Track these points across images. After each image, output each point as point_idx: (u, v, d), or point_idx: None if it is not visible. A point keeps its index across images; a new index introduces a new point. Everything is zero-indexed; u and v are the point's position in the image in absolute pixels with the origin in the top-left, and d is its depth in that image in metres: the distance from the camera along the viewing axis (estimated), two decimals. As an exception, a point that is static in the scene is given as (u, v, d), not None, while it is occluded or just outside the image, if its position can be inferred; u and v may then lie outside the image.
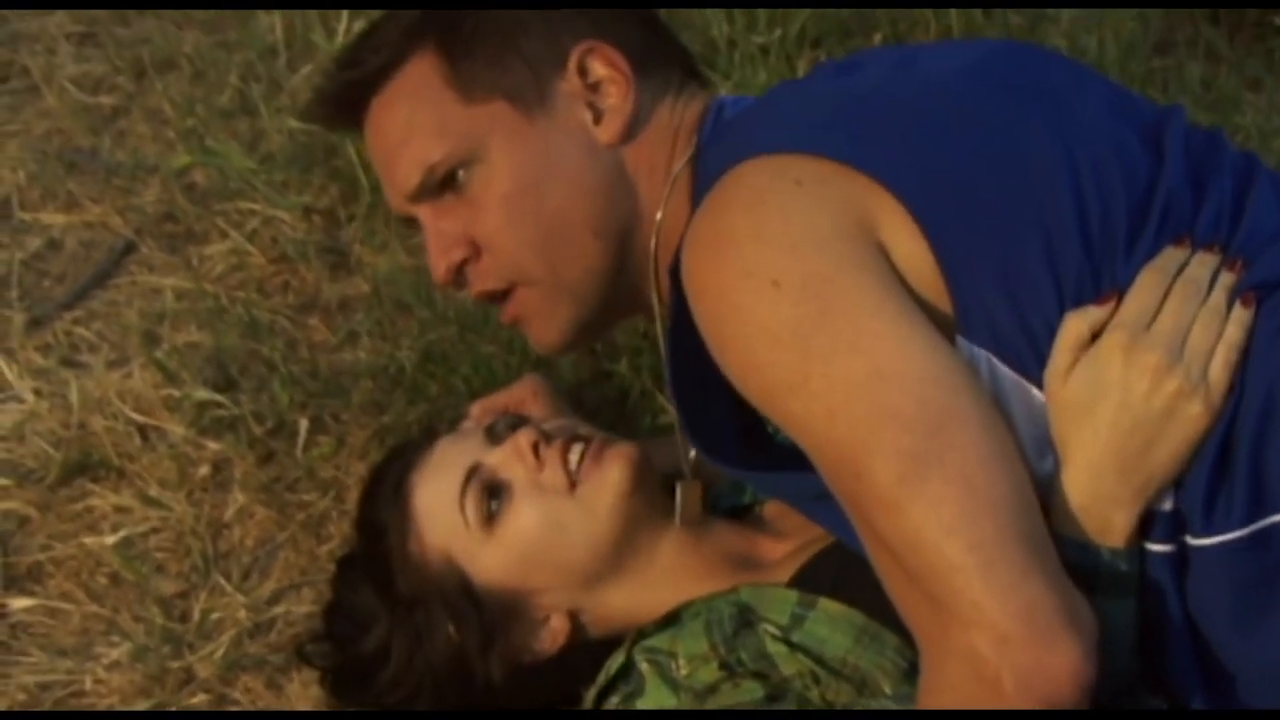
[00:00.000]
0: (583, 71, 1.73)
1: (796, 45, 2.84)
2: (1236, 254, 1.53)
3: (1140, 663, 1.53)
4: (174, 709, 2.04)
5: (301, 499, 2.29)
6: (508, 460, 1.88)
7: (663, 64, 1.77)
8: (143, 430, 2.38)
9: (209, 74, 2.94)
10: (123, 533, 2.26)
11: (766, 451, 1.71)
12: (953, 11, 2.87)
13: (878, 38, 2.90)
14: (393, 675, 1.89)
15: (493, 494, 1.86)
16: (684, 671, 1.77)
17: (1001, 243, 1.51)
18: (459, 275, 1.79)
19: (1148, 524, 1.51)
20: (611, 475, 1.85)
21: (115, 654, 2.11)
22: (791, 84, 1.78)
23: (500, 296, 1.78)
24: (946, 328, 1.51)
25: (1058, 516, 1.50)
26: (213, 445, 2.34)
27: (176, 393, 2.39)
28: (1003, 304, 1.50)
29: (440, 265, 1.79)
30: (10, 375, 2.45)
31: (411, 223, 2.65)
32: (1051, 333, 1.50)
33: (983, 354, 1.51)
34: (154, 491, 2.29)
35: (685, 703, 1.75)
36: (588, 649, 1.91)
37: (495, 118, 1.72)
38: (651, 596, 1.86)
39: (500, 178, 1.72)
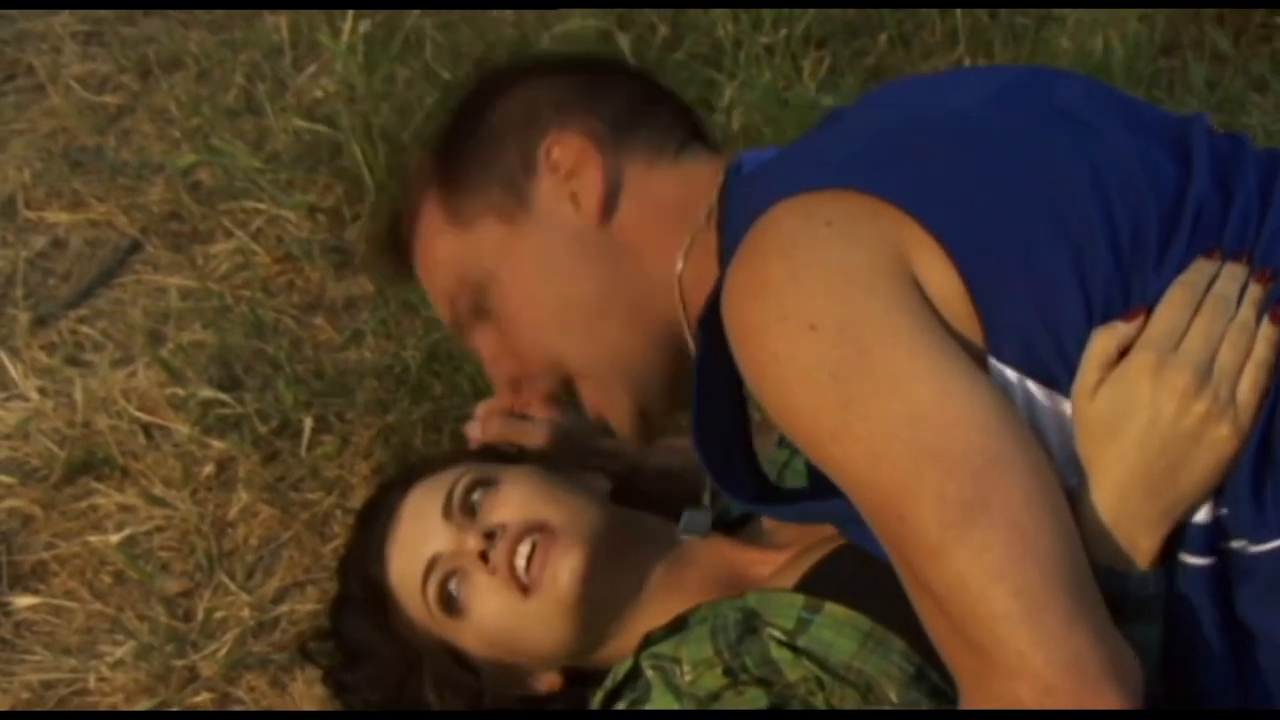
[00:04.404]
0: (554, 166, 1.72)
1: (802, 45, 2.85)
2: (1265, 258, 1.50)
3: (1167, 685, 1.51)
4: (177, 708, 2.04)
5: (306, 498, 2.29)
6: (460, 555, 1.84)
7: (652, 129, 1.74)
8: (147, 429, 2.38)
9: (214, 73, 2.95)
10: (127, 531, 2.26)
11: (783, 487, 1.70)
12: (958, 12, 2.88)
13: (883, 38, 2.91)
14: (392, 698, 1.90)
15: (453, 582, 1.84)
16: (688, 678, 1.76)
17: (1026, 260, 1.49)
18: (519, 387, 1.81)
19: (1183, 537, 1.48)
20: (560, 579, 1.80)
21: (119, 653, 2.11)
22: (810, 133, 1.78)
23: (569, 396, 1.80)
24: (977, 351, 1.49)
25: (1083, 538, 1.47)
26: (217, 444, 2.34)
27: (181, 391, 2.39)
28: (1032, 321, 1.48)
29: (498, 385, 1.83)
30: (15, 374, 2.45)
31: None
32: (1081, 347, 1.48)
33: (1014, 374, 1.49)
34: (158, 490, 2.29)
35: (692, 707, 1.75)
36: (588, 679, 1.91)
37: (490, 238, 1.73)
38: (646, 626, 1.85)
39: (510, 292, 1.74)
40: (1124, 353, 1.47)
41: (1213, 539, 1.47)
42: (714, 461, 1.65)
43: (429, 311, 2.47)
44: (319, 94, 2.86)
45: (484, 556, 1.82)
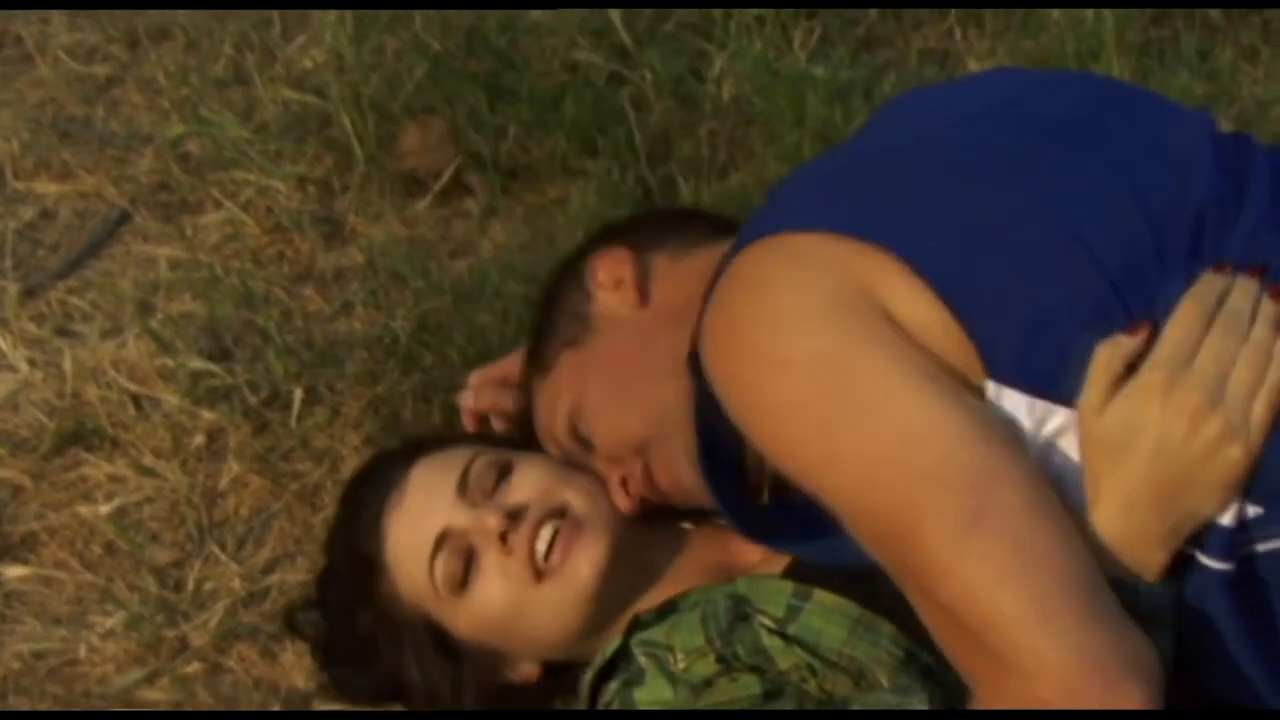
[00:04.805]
0: (602, 283, 1.85)
1: (792, 15, 2.84)
2: (1278, 273, 1.48)
3: (1181, 691, 1.49)
4: (168, 678, 2.04)
5: (296, 469, 2.29)
6: (475, 532, 1.84)
7: (682, 233, 1.87)
8: (137, 400, 2.37)
9: (203, 43, 2.94)
10: (117, 502, 2.26)
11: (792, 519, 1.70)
12: (949, -19, 2.87)
13: (873, 12, 2.90)
14: (376, 674, 1.90)
15: (463, 559, 1.84)
16: (681, 665, 1.77)
17: (1010, 282, 1.48)
18: (628, 486, 1.86)
19: (1203, 539, 1.46)
20: (581, 572, 1.81)
21: (110, 623, 2.11)
22: (800, 168, 1.82)
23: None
24: (974, 374, 1.49)
25: (1092, 550, 1.46)
26: (207, 415, 2.34)
27: (171, 362, 2.39)
28: (1024, 340, 1.48)
29: (620, 501, 1.87)
30: (4, 345, 2.44)
31: (409, 193, 2.68)
32: (1068, 356, 1.47)
33: (1019, 395, 1.49)
34: (148, 461, 2.29)
35: (682, 696, 1.75)
36: (564, 672, 1.92)
37: (567, 365, 1.86)
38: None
39: (592, 410, 1.84)
40: (1131, 367, 1.46)
41: (1233, 543, 1.46)
42: (721, 494, 1.67)
43: (418, 282, 2.47)
44: (308, 64, 2.85)
45: (503, 537, 1.81)
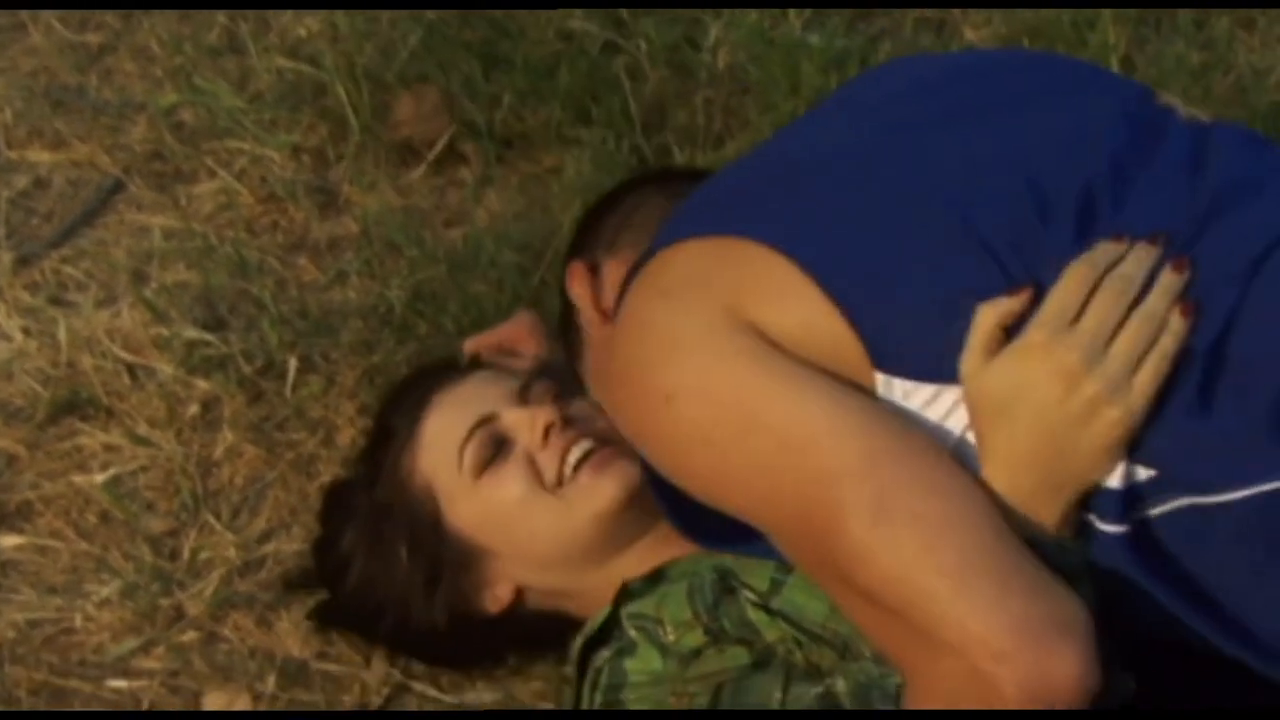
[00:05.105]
0: (577, 297, 1.84)
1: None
2: (1187, 244, 1.46)
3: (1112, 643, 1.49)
4: (164, 647, 2.05)
5: (290, 438, 2.29)
6: (522, 424, 1.87)
7: (641, 224, 1.82)
8: (131, 369, 2.37)
9: (196, 12, 2.93)
10: (112, 471, 2.26)
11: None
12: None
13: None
14: (354, 584, 1.92)
15: (496, 447, 1.86)
16: (671, 637, 1.78)
17: (887, 262, 1.49)
18: None
19: (1094, 503, 1.46)
20: (604, 490, 1.83)
21: (105, 591, 2.11)
22: (711, 177, 1.80)
23: None
24: (861, 368, 1.50)
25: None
26: (202, 384, 2.34)
27: (165, 331, 2.39)
28: (905, 322, 1.48)
29: None
30: (-2, 314, 2.45)
31: (403, 162, 2.67)
32: (954, 335, 1.47)
33: (900, 380, 1.49)
34: (143, 430, 2.29)
35: (672, 666, 1.76)
36: (531, 621, 1.93)
37: (585, 374, 1.87)
38: (603, 593, 1.86)
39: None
40: (1012, 331, 1.45)
41: (1125, 506, 1.45)
42: (667, 501, 1.66)
43: (413, 251, 2.46)
44: (302, 33, 2.84)
45: (548, 432, 1.85)
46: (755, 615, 1.75)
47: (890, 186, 1.53)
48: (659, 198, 1.84)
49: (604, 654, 1.81)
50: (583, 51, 2.72)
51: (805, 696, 1.69)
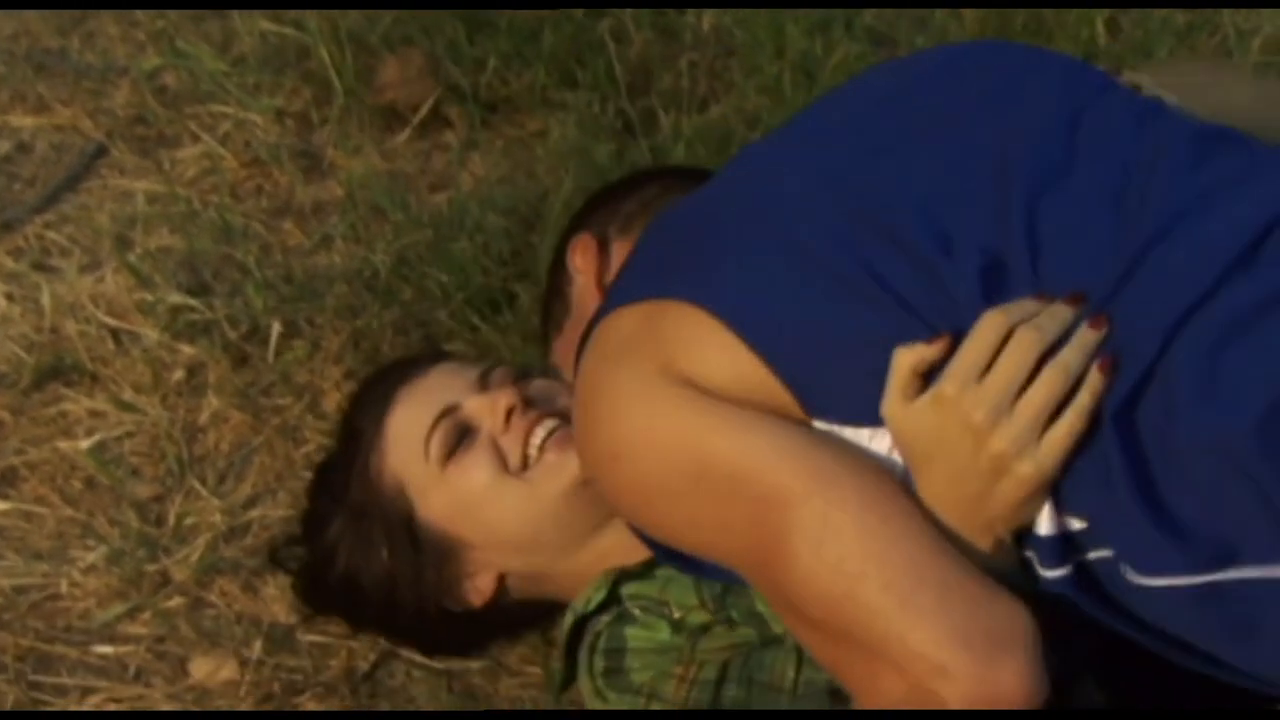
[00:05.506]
0: (578, 268, 1.86)
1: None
2: (1108, 299, 1.41)
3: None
4: (150, 612, 2.05)
5: (276, 403, 2.29)
6: (483, 410, 1.88)
7: (659, 210, 1.80)
8: (116, 334, 2.37)
9: (179, -26, 2.91)
10: (97, 437, 2.25)
11: None
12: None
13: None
14: (339, 579, 1.92)
15: (460, 436, 1.86)
16: (677, 615, 1.78)
17: (807, 314, 1.49)
18: None
19: (1033, 546, 1.45)
20: (569, 466, 1.83)
21: (91, 557, 2.11)
22: (641, 237, 1.78)
23: None
24: (799, 416, 1.50)
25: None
26: (186, 349, 2.33)
27: (149, 297, 2.38)
28: (830, 372, 1.48)
29: None
30: (-19, 279, 2.44)
31: (388, 126, 2.67)
32: (878, 381, 1.45)
33: (832, 426, 1.49)
34: (128, 396, 2.29)
35: (682, 641, 1.77)
36: (518, 611, 1.94)
37: (558, 347, 1.90)
38: (586, 573, 1.86)
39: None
40: (928, 376, 1.44)
41: (1063, 553, 1.44)
42: (650, 545, 1.66)
43: (398, 215, 2.46)
44: (285, -5, 2.83)
45: (509, 415, 1.85)
46: (763, 607, 1.75)
47: (807, 237, 1.52)
48: (682, 193, 1.82)
49: (603, 619, 1.82)
50: (567, 15, 2.71)
51: (818, 680, 1.69)
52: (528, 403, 1.88)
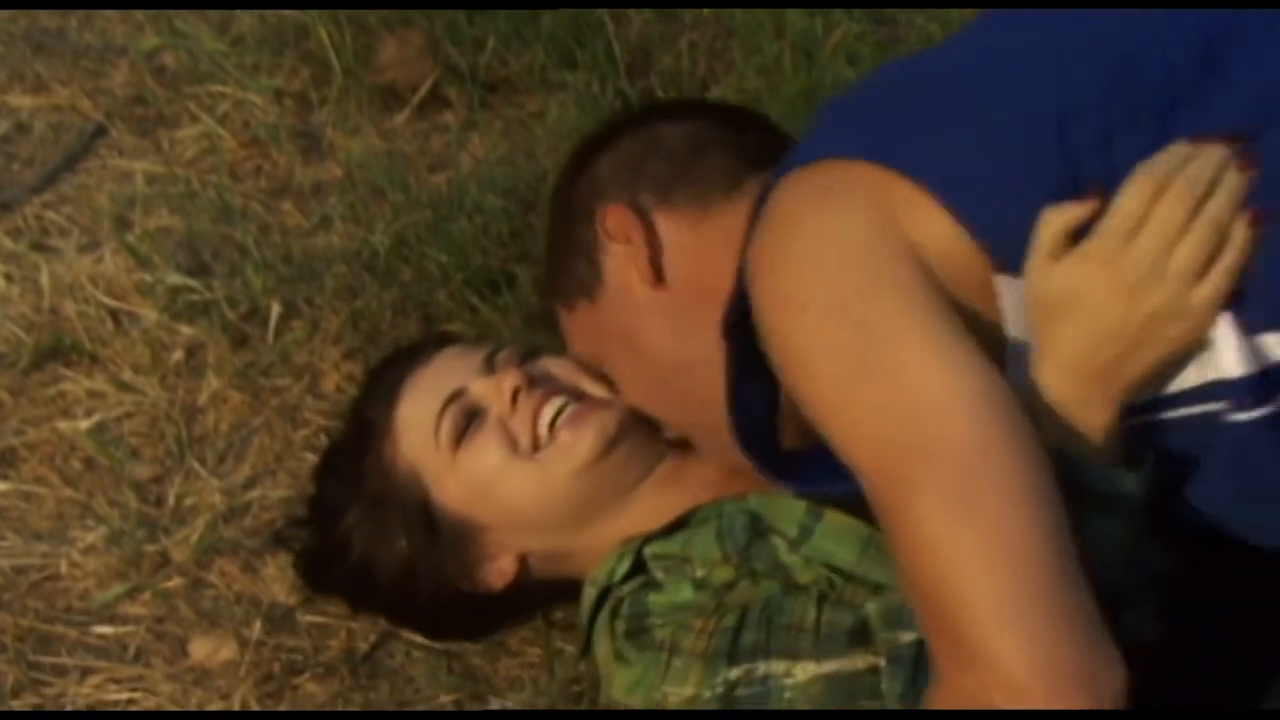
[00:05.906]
0: (612, 236, 1.76)
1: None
2: (1254, 140, 1.41)
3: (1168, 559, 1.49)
4: (150, 593, 2.05)
5: (275, 384, 2.29)
6: (489, 392, 1.87)
7: (695, 179, 1.75)
8: (115, 315, 2.37)
9: (177, -46, 2.91)
10: (96, 417, 2.25)
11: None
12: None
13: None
14: (354, 566, 1.91)
15: (469, 419, 1.86)
16: (700, 574, 1.78)
17: (995, 169, 1.47)
18: None
19: (1221, 396, 1.42)
20: (581, 444, 1.82)
21: (90, 538, 2.11)
22: (832, 100, 1.74)
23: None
24: (986, 290, 1.47)
25: (1035, 411, 1.45)
26: (186, 330, 2.33)
27: (149, 277, 2.38)
28: (1012, 228, 1.45)
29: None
30: (-20, 260, 2.44)
31: (387, 107, 2.66)
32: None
33: (1015, 280, 1.47)
34: (127, 376, 2.29)
35: (705, 598, 1.76)
36: (538, 590, 1.93)
37: (582, 316, 1.82)
38: (606, 548, 1.85)
39: (622, 385, 1.83)
40: (1081, 233, 1.43)
41: (1263, 390, 1.41)
42: (746, 436, 1.64)
43: (397, 196, 2.46)
44: (284, -25, 2.82)
45: (515, 396, 1.84)
46: (789, 558, 1.74)
47: (993, 91, 1.50)
48: (721, 153, 1.76)
49: (626, 588, 1.81)
50: (566, -6, 2.71)
51: (840, 623, 1.68)
52: (533, 382, 1.87)
